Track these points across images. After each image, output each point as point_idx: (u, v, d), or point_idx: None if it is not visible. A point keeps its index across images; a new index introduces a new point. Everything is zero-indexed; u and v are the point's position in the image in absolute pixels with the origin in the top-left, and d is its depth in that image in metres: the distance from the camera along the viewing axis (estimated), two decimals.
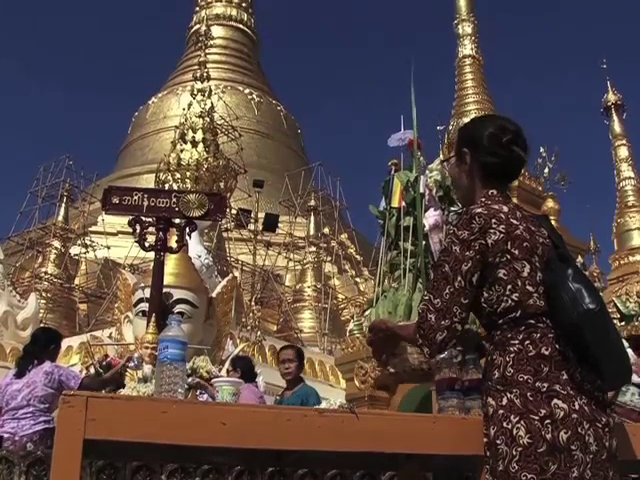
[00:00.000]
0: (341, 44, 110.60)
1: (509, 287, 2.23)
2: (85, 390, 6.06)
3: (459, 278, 2.24)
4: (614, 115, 32.67)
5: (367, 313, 3.49)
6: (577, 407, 2.13)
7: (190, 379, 5.18)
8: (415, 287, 3.32)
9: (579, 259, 22.17)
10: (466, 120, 23.47)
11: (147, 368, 5.50)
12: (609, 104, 32.76)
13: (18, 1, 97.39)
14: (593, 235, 28.65)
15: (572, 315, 2.16)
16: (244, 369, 7.02)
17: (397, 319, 3.10)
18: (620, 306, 16.89)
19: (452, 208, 3.42)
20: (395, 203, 3.62)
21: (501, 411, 2.15)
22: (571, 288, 2.20)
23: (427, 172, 3.53)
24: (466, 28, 24.54)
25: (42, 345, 6.44)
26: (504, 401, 2.15)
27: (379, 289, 3.44)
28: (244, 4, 42.60)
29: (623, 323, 16.36)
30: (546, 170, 23.61)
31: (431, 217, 3.42)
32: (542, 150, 23.19)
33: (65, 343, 18.01)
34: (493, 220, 2.27)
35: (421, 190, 3.48)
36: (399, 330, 2.46)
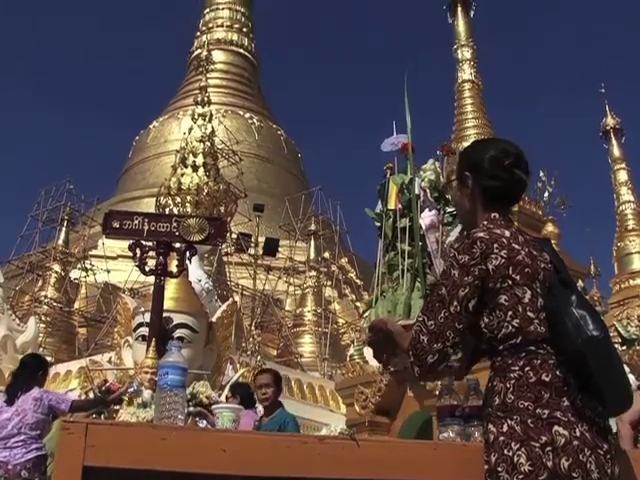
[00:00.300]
0: (341, 70, 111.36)
1: (510, 313, 2.22)
2: (77, 412, 6.04)
3: (455, 303, 2.23)
4: (613, 139, 32.79)
5: (367, 314, 3.50)
6: (578, 434, 2.11)
7: (192, 408, 5.16)
8: (413, 286, 3.35)
9: (579, 283, 22.11)
10: (466, 144, 23.53)
11: (147, 393, 5.48)
12: (608, 128, 32.90)
13: (23, 23, 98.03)
14: (593, 259, 28.64)
15: (576, 342, 2.15)
16: (243, 395, 6.98)
17: (397, 318, 3.11)
18: (621, 330, 16.84)
19: (448, 209, 3.46)
20: (391, 205, 3.66)
21: (502, 438, 2.13)
22: (575, 314, 2.19)
23: (421, 172, 3.58)
24: (465, 53, 24.68)
25: (31, 371, 6.44)
26: (505, 428, 2.14)
27: (378, 290, 3.47)
28: (245, 29, 42.93)
29: (624, 347, 16.31)
30: (546, 194, 23.63)
31: (427, 217, 3.45)
32: (542, 174, 23.24)
33: (64, 367, 18.00)
34: (495, 245, 2.26)
35: (416, 192, 3.53)
36: (397, 337, 2.44)
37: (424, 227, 3.36)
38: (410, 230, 3.37)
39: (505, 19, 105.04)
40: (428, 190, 3.46)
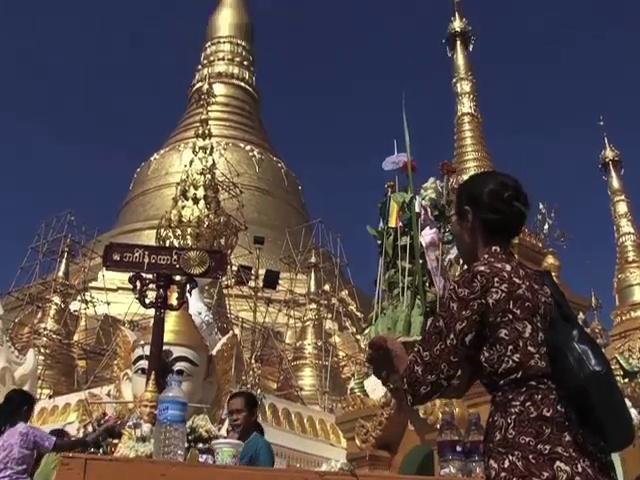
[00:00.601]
0: (341, 102, 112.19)
1: (510, 347, 2.21)
2: (59, 451, 6.00)
3: (452, 336, 2.23)
4: (612, 171, 32.88)
5: (367, 331, 3.49)
6: (580, 469, 2.09)
7: (200, 445, 5.10)
8: (413, 304, 3.35)
9: (580, 315, 22.07)
10: (465, 177, 23.62)
11: (146, 427, 5.44)
12: (607, 160, 33.00)
13: (24, 51, 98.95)
14: (594, 291, 28.58)
15: (578, 377, 2.14)
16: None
17: (396, 334, 3.11)
18: (623, 363, 16.77)
19: (447, 227, 3.48)
20: (392, 223, 3.68)
21: (503, 474, 2.11)
22: (577, 349, 2.18)
23: (422, 191, 3.60)
24: (464, 86, 24.84)
25: (15, 406, 6.43)
26: (506, 464, 2.12)
27: (378, 308, 3.46)
28: (246, 62, 43.34)
29: (627, 380, 16.23)
30: (546, 226, 23.67)
31: (427, 235, 3.46)
32: (542, 206, 23.30)
33: (63, 400, 17.91)
34: (495, 279, 2.26)
35: (417, 210, 3.54)
36: (395, 359, 2.43)
37: (424, 245, 3.40)
38: (411, 248, 3.39)
39: (504, 52, 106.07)
40: (429, 208, 3.50)
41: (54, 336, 24.45)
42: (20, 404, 6.50)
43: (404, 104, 3.74)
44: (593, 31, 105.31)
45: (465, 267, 2.50)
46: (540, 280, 2.39)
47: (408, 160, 3.65)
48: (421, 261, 3.37)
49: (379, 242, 3.64)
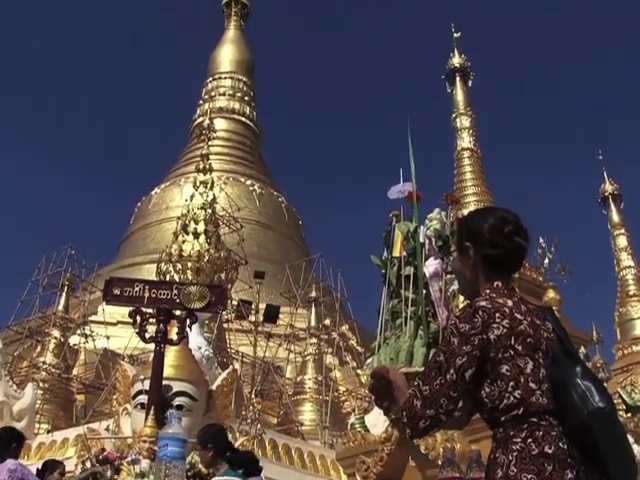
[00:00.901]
0: (341, 137, 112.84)
1: (511, 384, 2.21)
2: None
3: (452, 371, 2.23)
4: (612, 205, 32.98)
5: (369, 361, 3.48)
6: None
7: None
8: (416, 334, 3.34)
9: (582, 349, 21.99)
10: (465, 212, 23.74)
11: (145, 463, 5.41)
12: (606, 194, 33.12)
13: (25, 84, 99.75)
14: (595, 325, 28.52)
15: (582, 414, 2.14)
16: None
17: (399, 365, 3.10)
18: (625, 397, 16.68)
19: (451, 258, 3.48)
20: (396, 253, 3.68)
21: None
22: (580, 386, 2.18)
23: (427, 222, 3.60)
24: (464, 122, 24.99)
25: (4, 443, 6.42)
26: None
27: (381, 337, 3.45)
28: (246, 97, 43.70)
29: (629, 415, 16.12)
30: (546, 260, 23.67)
31: (431, 266, 3.46)
32: (542, 240, 23.33)
33: (61, 435, 17.76)
34: (497, 314, 2.26)
35: (421, 240, 3.55)
36: (396, 391, 2.42)
37: (428, 275, 3.40)
38: (414, 278, 3.40)
39: (504, 87, 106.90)
40: (433, 239, 3.51)
41: (53, 370, 24.32)
42: (9, 441, 6.49)
43: (409, 133, 3.76)
44: (593, 63, 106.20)
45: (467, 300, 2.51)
46: (542, 316, 2.39)
47: (413, 190, 3.67)
48: (424, 291, 3.38)
49: (383, 271, 3.64)
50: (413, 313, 3.48)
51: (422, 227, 3.62)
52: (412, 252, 3.60)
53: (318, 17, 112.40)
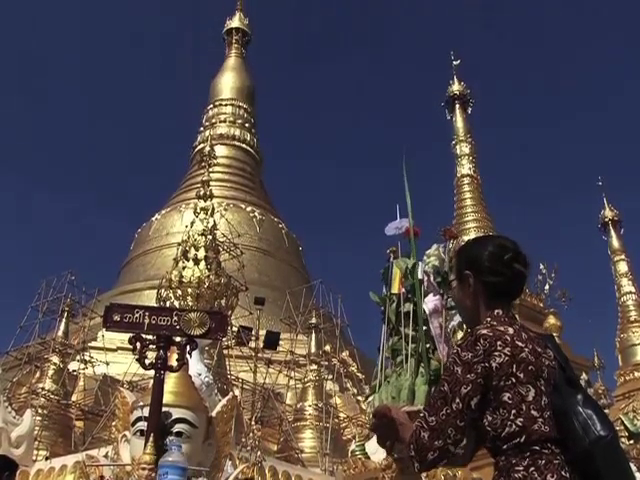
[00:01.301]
0: (341, 165, 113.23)
1: (513, 411, 2.20)
2: None
3: (457, 400, 2.22)
4: (612, 231, 33.04)
5: (370, 399, 3.46)
6: None
7: None
8: (417, 372, 3.32)
9: (583, 376, 21.93)
10: (466, 238, 23.78)
11: None
12: (606, 220, 33.19)
13: (26, 114, 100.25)
14: (596, 351, 28.46)
15: (584, 442, 2.14)
16: None
17: (401, 404, 3.08)
18: (627, 424, 16.60)
19: (451, 288, 3.47)
20: (395, 289, 3.67)
21: None
22: (582, 414, 2.18)
23: (425, 258, 3.60)
24: (464, 148, 25.16)
25: None
26: None
27: (382, 375, 3.44)
28: (247, 124, 43.93)
29: (632, 442, 16.03)
30: (547, 286, 23.71)
31: (430, 302, 3.46)
32: (542, 267, 23.37)
33: (59, 462, 17.63)
34: (498, 342, 2.26)
35: (419, 276, 3.54)
36: (400, 428, 2.41)
37: (427, 312, 3.40)
38: (414, 315, 3.39)
39: (504, 114, 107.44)
40: (432, 275, 3.51)
41: (52, 396, 24.21)
42: (2, 469, 6.46)
43: (405, 169, 3.78)
44: (592, 94, 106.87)
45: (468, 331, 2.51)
46: (543, 343, 2.39)
47: (410, 226, 3.68)
48: (424, 328, 3.37)
49: (382, 309, 3.64)
50: (414, 350, 3.47)
51: (420, 263, 3.62)
52: (411, 289, 3.60)
53: (318, 46, 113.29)
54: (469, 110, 26.47)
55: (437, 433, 2.20)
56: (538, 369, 2.27)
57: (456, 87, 26.96)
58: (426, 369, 3.33)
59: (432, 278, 3.58)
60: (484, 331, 2.30)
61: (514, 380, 2.22)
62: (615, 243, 32.72)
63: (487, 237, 2.92)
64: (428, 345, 3.44)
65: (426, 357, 3.39)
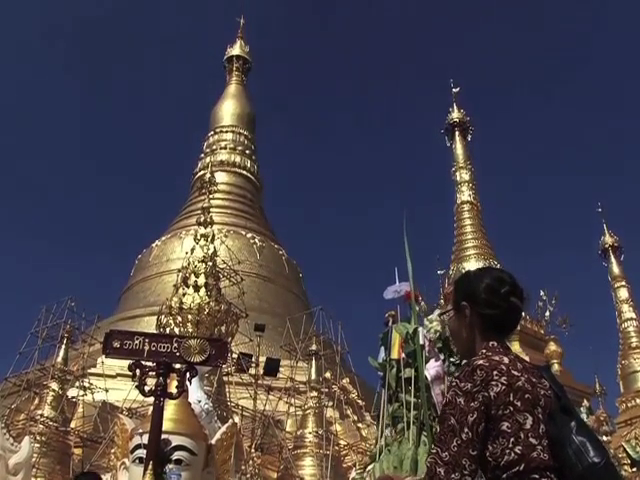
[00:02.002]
0: (341, 190, 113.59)
1: (512, 440, 2.20)
2: None
3: (466, 429, 2.21)
4: (612, 257, 33.03)
5: (369, 468, 3.42)
6: None
7: None
8: (419, 441, 3.28)
9: (585, 403, 21.82)
10: (466, 265, 23.80)
11: None
12: (606, 246, 33.19)
13: (26, 147, 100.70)
14: (598, 377, 28.34)
15: (577, 469, 2.14)
16: None
17: (403, 474, 3.05)
18: (630, 451, 16.51)
19: (451, 359, 3.44)
20: (395, 355, 3.64)
21: None
22: (575, 441, 2.19)
23: (426, 323, 3.58)
24: (464, 175, 25.24)
25: None
26: None
27: (382, 442, 3.40)
28: (247, 151, 44.14)
29: (634, 469, 15.92)
30: (547, 313, 23.68)
31: (432, 369, 3.42)
32: (542, 293, 23.35)
33: None
34: (495, 372, 2.27)
35: (421, 342, 3.51)
36: None
37: (429, 378, 3.35)
38: (415, 381, 3.34)
39: (503, 141, 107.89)
40: (433, 340, 3.48)
41: (50, 423, 24.07)
42: None
43: (405, 231, 3.78)
44: (591, 124, 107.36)
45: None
46: (538, 373, 2.41)
47: (411, 290, 3.67)
48: (426, 394, 3.33)
49: (381, 374, 3.61)
50: (415, 418, 3.43)
51: (421, 328, 3.60)
52: (412, 354, 3.57)
53: (318, 73, 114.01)
54: (469, 137, 26.60)
55: (452, 466, 2.18)
56: (535, 397, 2.28)
57: (456, 114, 27.09)
58: (429, 438, 3.28)
59: (434, 343, 3.55)
60: (480, 362, 2.31)
61: (512, 409, 2.23)
62: (615, 269, 32.71)
63: (485, 269, 2.95)
64: (430, 412, 3.39)
65: (429, 425, 3.34)
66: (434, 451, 2.26)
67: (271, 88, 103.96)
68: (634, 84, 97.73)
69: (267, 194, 46.60)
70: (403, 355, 3.47)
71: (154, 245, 40.24)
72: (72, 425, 25.43)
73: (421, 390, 3.38)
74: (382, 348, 3.58)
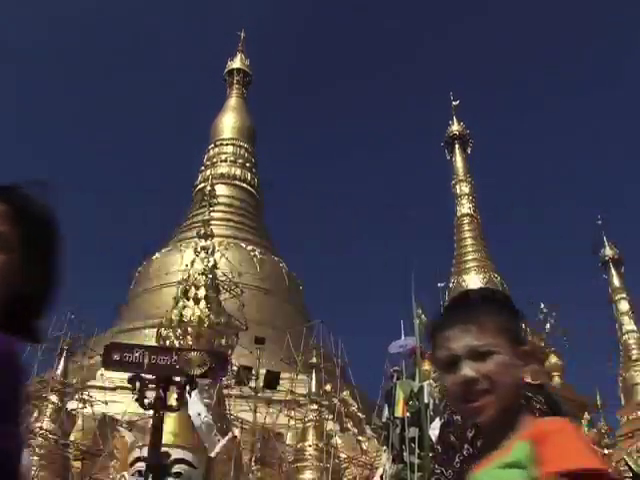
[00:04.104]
0: (341, 202, 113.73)
1: None
2: None
3: None
4: (612, 269, 33.01)
5: None
6: None
7: None
8: None
9: (586, 415, 21.77)
10: (466, 277, 23.77)
11: None
12: (607, 258, 33.17)
13: (26, 161, 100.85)
14: (599, 390, 28.27)
15: None
16: None
17: None
18: (632, 464, 16.45)
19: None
20: (398, 413, 3.59)
21: None
22: None
23: (431, 382, 3.52)
24: (463, 188, 25.26)
25: None
26: None
27: None
28: (248, 164, 44.20)
29: None
30: (547, 325, 23.63)
31: (437, 429, 3.36)
32: (542, 306, 23.31)
33: None
34: None
35: (425, 400, 3.46)
36: None
37: (434, 439, 3.29)
38: (419, 441, 3.28)
39: (502, 153, 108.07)
40: (437, 399, 3.43)
41: (50, 436, 24.00)
42: None
43: (413, 291, 3.75)
44: (591, 142, 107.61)
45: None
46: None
47: (417, 346, 3.63)
48: (431, 454, 3.26)
49: (384, 433, 3.56)
50: None
51: (426, 386, 3.54)
52: (416, 412, 3.52)
53: (319, 85, 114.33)
54: (468, 150, 26.64)
55: None
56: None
57: (455, 127, 27.14)
58: None
59: (439, 402, 3.49)
60: None
61: None
62: (616, 281, 32.67)
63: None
64: (437, 473, 3.34)
65: None
66: None
67: (271, 101, 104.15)
68: (635, 88, 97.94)
69: (267, 206, 46.66)
70: (407, 414, 3.42)
71: (154, 257, 40.21)
72: (71, 438, 25.36)
73: (426, 450, 3.32)
74: (386, 405, 3.53)
